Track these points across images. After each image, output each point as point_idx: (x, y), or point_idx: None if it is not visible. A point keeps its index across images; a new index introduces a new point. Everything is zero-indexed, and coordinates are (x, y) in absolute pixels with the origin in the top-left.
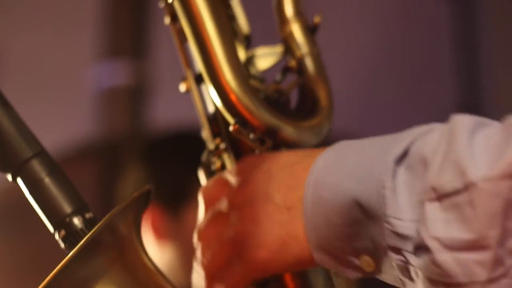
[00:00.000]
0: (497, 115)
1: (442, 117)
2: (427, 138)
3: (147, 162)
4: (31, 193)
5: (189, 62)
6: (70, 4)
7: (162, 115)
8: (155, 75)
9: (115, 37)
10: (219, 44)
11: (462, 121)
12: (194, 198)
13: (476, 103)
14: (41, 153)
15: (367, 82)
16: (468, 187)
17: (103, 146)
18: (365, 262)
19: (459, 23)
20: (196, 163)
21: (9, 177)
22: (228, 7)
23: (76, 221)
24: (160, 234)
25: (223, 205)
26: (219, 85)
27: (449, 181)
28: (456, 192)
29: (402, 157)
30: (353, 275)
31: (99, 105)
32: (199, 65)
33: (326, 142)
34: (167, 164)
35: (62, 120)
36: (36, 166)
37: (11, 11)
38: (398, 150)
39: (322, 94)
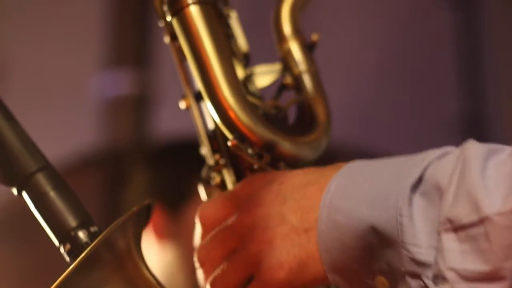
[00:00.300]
0: (500, 123)
1: (445, 126)
2: (441, 164)
3: (152, 171)
4: (36, 207)
5: (188, 80)
6: (74, 13)
7: (166, 124)
8: (159, 85)
9: (119, 46)
10: (217, 62)
11: (475, 151)
12: (195, 200)
13: (479, 110)
14: (46, 167)
15: (370, 90)
16: (483, 220)
17: (107, 155)
18: (380, 282)
19: (463, 30)
20: (198, 169)
21: (15, 191)
22: (227, 26)
23: (81, 234)
24: (161, 235)
25: (229, 224)
26: (217, 102)
27: (464, 214)
28: (471, 225)
29: (417, 184)
30: None
31: (103, 114)
32: (197, 81)
33: (329, 152)
34: (170, 172)
35: (66, 129)
36: (41, 180)
37: (16, 20)
38: (413, 177)
39: (320, 110)
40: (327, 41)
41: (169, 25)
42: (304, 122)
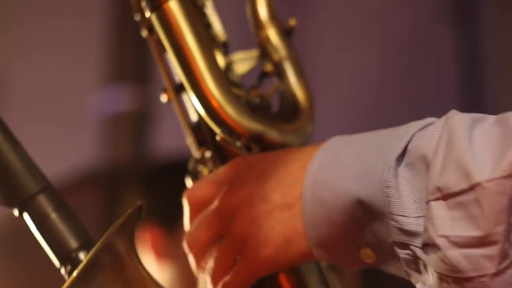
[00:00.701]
0: None
1: None
2: (424, 135)
3: (151, 188)
4: (37, 228)
5: (168, 73)
6: (74, 29)
7: (166, 141)
8: (159, 101)
9: (119, 62)
10: (200, 55)
11: (459, 120)
12: None
13: None
14: (47, 188)
15: (370, 104)
16: (473, 187)
17: (106, 172)
18: (366, 254)
19: (463, 46)
20: None
21: (16, 212)
22: (203, 15)
23: (82, 256)
24: (160, 254)
25: (214, 207)
26: (202, 95)
27: (453, 182)
28: (461, 192)
29: (402, 156)
30: (352, 267)
31: (103, 131)
32: (180, 76)
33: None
34: (169, 190)
35: (66, 145)
36: (43, 201)
37: (16, 36)
38: (398, 149)
39: (302, 96)
40: (329, 54)
41: (146, 19)
42: (287, 109)
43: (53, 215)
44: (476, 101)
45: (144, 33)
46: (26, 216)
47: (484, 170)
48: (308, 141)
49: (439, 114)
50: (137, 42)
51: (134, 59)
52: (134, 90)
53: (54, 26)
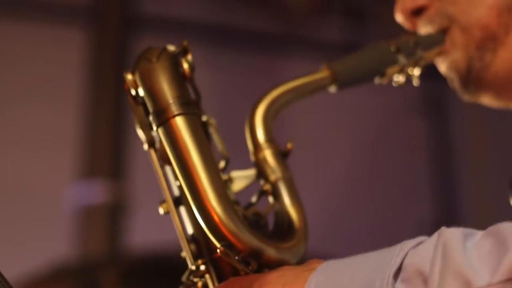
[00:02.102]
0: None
1: (418, 230)
2: (418, 251)
3: (124, 282)
4: None
5: (168, 185)
6: (48, 125)
7: (140, 235)
8: (132, 196)
9: (93, 157)
10: (203, 168)
11: (453, 234)
12: None
13: (451, 219)
14: None
15: (342, 196)
16: None
17: (80, 266)
18: None
19: (434, 138)
20: (174, 284)
21: None
22: (207, 133)
23: None
24: None
25: None
26: (204, 209)
27: None
28: None
29: (397, 272)
30: None
31: (77, 225)
32: (183, 189)
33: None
34: (143, 284)
35: (38, 239)
36: None
37: None
38: (394, 266)
39: (296, 217)
40: (298, 149)
41: (149, 133)
42: (282, 228)
43: None
44: (447, 192)
45: (145, 146)
46: None
47: (483, 277)
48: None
49: (409, 207)
50: (111, 136)
51: (108, 154)
52: (107, 184)
53: (27, 121)
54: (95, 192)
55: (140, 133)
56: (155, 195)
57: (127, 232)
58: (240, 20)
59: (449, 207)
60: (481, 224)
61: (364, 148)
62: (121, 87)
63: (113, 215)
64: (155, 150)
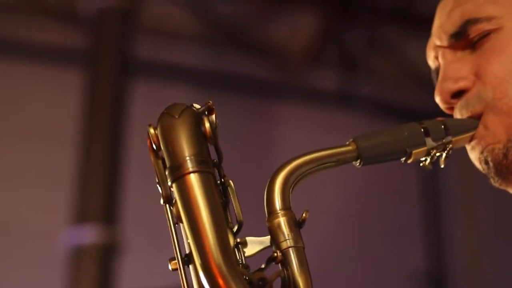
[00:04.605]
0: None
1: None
2: None
3: None
4: None
5: (179, 242)
6: (43, 165)
7: (130, 280)
8: (124, 240)
9: (85, 201)
10: (212, 230)
11: None
12: None
13: (441, 269)
14: None
15: (331, 243)
16: None
17: None
18: None
19: (426, 187)
20: None
21: None
22: (224, 194)
23: None
24: None
25: None
26: (209, 271)
27: None
28: None
29: None
30: None
31: (69, 268)
32: (192, 249)
33: None
34: None
35: (32, 282)
36: None
37: None
38: None
39: (303, 286)
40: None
41: (167, 188)
42: None
43: None
44: (437, 242)
45: (162, 201)
46: None
47: None
48: None
49: (400, 257)
50: (103, 182)
51: (100, 198)
52: (99, 228)
53: (21, 160)
54: (87, 236)
55: (159, 187)
56: (146, 240)
57: (117, 275)
58: (236, 67)
59: (439, 259)
60: (472, 274)
61: (356, 193)
62: (115, 130)
63: (104, 259)
64: (171, 206)
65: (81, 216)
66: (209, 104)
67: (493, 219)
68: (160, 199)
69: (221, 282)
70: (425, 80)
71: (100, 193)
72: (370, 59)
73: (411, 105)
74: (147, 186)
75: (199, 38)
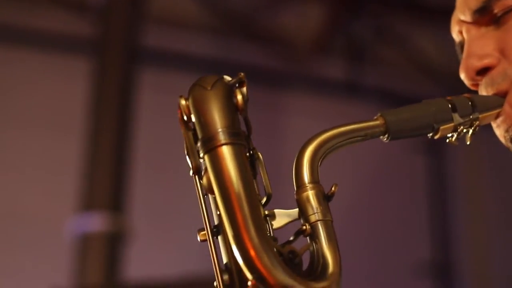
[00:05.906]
0: (466, 270)
1: (416, 272)
2: None
3: None
4: None
5: (208, 214)
6: (51, 153)
7: (136, 267)
8: (130, 228)
9: (93, 189)
10: (245, 202)
11: None
12: None
13: (448, 260)
14: None
15: (338, 239)
16: None
17: None
18: None
19: (433, 176)
20: None
21: None
22: (253, 166)
23: None
24: None
25: None
26: (241, 242)
27: None
28: None
29: None
30: None
31: (75, 256)
32: (224, 219)
33: None
34: None
35: (39, 270)
36: None
37: None
38: None
39: (331, 260)
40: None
41: (196, 160)
42: (316, 269)
43: None
44: (444, 234)
45: (191, 173)
46: None
47: None
48: None
49: (406, 248)
50: (110, 171)
51: (108, 187)
52: (106, 216)
53: (29, 147)
54: (94, 224)
55: (188, 159)
56: (152, 228)
57: (124, 263)
58: (243, 56)
59: (446, 250)
60: (479, 265)
61: (364, 184)
62: (123, 118)
63: (111, 246)
64: (200, 178)
65: (88, 204)
66: (240, 76)
67: (500, 211)
68: (168, 186)
69: (253, 253)
70: (432, 69)
71: (107, 181)
72: (377, 48)
73: (419, 94)
74: (154, 174)
75: (207, 27)
